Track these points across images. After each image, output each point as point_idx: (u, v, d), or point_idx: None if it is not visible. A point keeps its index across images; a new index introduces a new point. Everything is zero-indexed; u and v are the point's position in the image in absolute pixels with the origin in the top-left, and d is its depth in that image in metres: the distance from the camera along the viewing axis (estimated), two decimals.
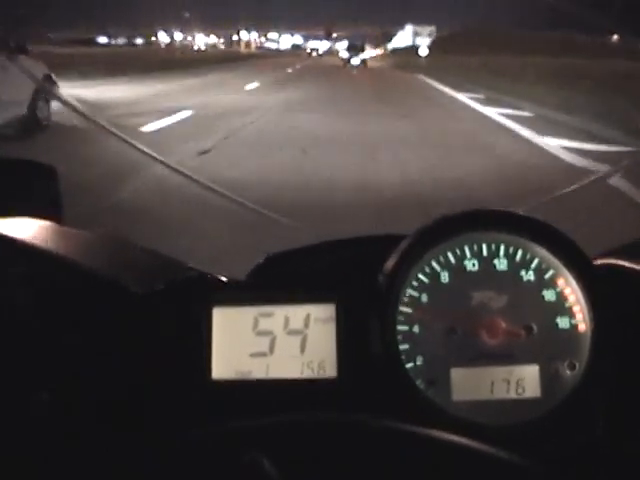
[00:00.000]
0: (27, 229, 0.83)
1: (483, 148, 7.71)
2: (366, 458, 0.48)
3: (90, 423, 0.69)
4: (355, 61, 38.66)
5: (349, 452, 0.48)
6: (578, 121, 9.69)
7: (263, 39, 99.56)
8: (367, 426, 0.50)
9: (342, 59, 41.56)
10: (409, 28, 50.83)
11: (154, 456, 0.48)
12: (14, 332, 0.72)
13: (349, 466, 0.47)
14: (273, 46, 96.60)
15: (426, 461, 0.47)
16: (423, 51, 32.19)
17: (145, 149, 1.19)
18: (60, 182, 0.97)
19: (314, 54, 76.12)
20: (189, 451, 0.47)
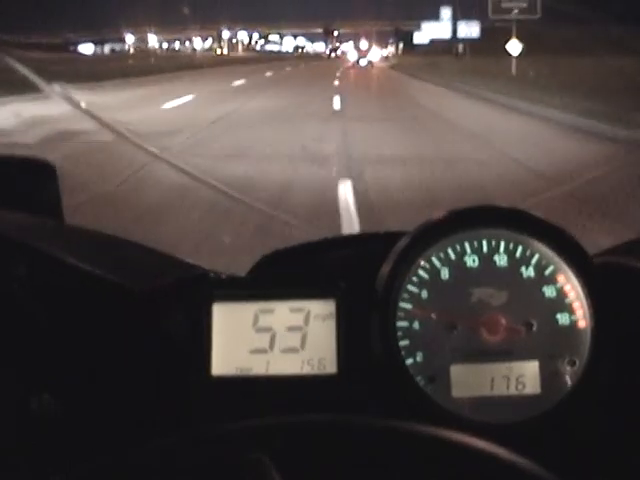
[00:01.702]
0: (27, 227, 0.83)
1: None
2: (366, 457, 0.47)
3: (90, 422, 0.70)
4: (363, 62, 44.36)
5: (349, 452, 0.48)
6: None
7: (262, 41, 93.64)
8: (368, 426, 0.50)
9: (350, 60, 47.02)
10: (446, 13, 34.12)
11: (154, 455, 0.48)
12: (14, 332, 0.72)
13: (349, 466, 0.47)
14: (275, 48, 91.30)
15: (425, 459, 0.47)
16: (515, 48, 16.29)
17: (147, 147, 1.20)
18: (60, 180, 0.97)
19: (332, 55, 75.15)
20: (190, 450, 0.47)
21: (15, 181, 0.94)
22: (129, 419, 0.70)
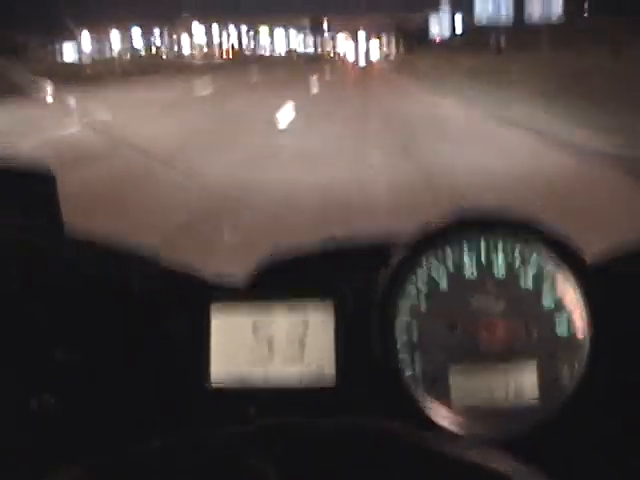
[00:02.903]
0: (27, 228, 0.83)
1: None
2: (366, 462, 0.48)
3: (90, 422, 0.70)
4: (362, 61, 44.55)
5: (349, 456, 0.48)
6: None
7: (252, 42, 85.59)
8: (367, 431, 0.50)
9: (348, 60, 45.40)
10: None
11: (154, 455, 0.48)
12: (14, 332, 0.71)
13: (348, 470, 0.47)
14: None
15: (424, 465, 0.48)
16: None
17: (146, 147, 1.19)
18: (58, 183, 0.96)
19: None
20: (190, 453, 0.47)
21: (13, 185, 0.94)
22: (129, 419, 0.70)
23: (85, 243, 0.86)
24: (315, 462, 0.47)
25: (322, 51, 73.33)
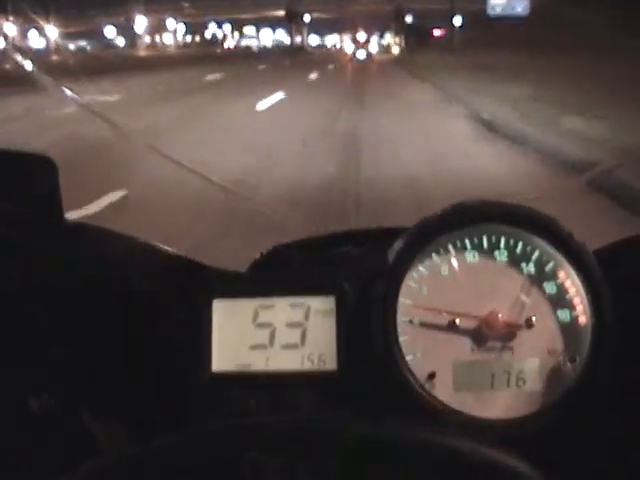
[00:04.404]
0: (27, 225, 0.83)
1: None
2: (366, 457, 0.47)
3: (90, 422, 0.70)
4: (361, 55, 40.34)
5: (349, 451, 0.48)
6: None
7: (236, 35, 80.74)
8: (365, 427, 0.50)
9: (346, 53, 44.21)
10: None
11: (154, 454, 0.48)
12: (14, 332, 0.72)
13: (349, 465, 0.47)
14: (253, 43, 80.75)
15: (421, 461, 0.47)
16: None
17: (145, 141, 1.19)
18: (60, 176, 0.96)
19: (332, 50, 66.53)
20: (189, 450, 0.47)
21: (14, 177, 0.94)
22: (129, 419, 0.70)
23: (85, 243, 0.86)
24: (315, 457, 0.47)
25: (302, 42, 64.86)
